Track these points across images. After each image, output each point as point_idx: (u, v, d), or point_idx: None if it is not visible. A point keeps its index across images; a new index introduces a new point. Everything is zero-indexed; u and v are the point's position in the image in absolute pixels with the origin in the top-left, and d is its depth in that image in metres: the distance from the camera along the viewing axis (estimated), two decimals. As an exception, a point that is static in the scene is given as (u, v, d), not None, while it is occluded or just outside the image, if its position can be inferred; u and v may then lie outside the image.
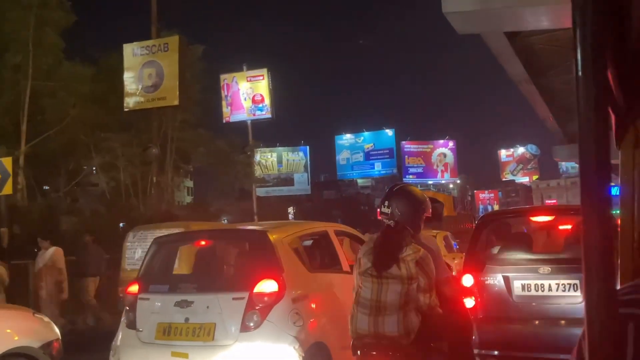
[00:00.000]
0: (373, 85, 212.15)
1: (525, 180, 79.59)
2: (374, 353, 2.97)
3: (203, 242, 5.53)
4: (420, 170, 63.09)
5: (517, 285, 5.12)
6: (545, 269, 5.04)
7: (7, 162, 12.06)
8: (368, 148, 60.63)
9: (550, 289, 5.01)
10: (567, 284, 4.95)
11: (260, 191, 52.92)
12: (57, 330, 5.57)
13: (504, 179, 78.34)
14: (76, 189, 22.21)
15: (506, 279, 5.16)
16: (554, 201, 75.37)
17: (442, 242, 13.21)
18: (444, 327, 3.09)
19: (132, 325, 4.71)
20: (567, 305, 4.95)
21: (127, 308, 4.84)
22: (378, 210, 3.22)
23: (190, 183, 43.25)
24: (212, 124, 25.84)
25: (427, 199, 3.27)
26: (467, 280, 5.29)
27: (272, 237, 4.66)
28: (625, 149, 1.24)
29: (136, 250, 8.27)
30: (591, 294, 0.62)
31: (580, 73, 0.66)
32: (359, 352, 3.03)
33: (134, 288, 4.87)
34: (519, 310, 5.13)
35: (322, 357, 4.52)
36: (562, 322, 4.97)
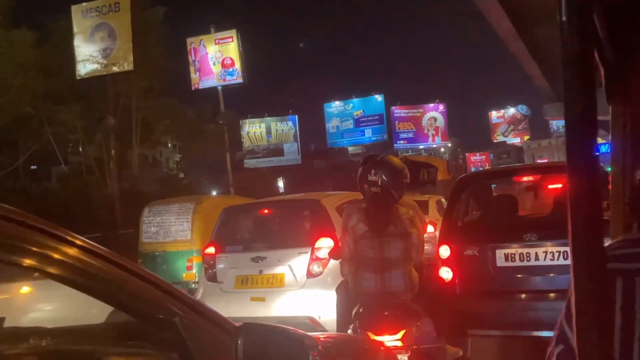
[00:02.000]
0: (360, 50, 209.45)
1: (516, 141, 79.25)
2: (387, 313, 3.18)
3: (266, 211, 6.65)
4: (411, 135, 62.52)
5: (499, 255, 4.53)
6: (532, 235, 4.43)
7: None
8: (357, 115, 59.80)
9: (537, 258, 4.42)
10: (556, 251, 4.36)
11: (250, 162, 52.49)
12: None
13: (495, 141, 77.96)
14: (34, 168, 20.86)
15: (487, 249, 4.57)
16: (546, 160, 75.25)
17: (435, 206, 13.07)
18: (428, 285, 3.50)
19: (213, 278, 5.80)
20: (557, 276, 4.38)
21: (207, 266, 5.88)
22: (359, 177, 3.49)
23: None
24: (182, 92, 23.96)
25: (406, 168, 3.57)
26: (444, 251, 4.70)
27: (325, 203, 5.76)
28: (616, 104, 1.20)
29: (152, 223, 8.88)
30: (577, 250, 0.61)
31: (564, 18, 0.62)
32: (367, 312, 3.24)
33: (211, 250, 5.92)
34: (502, 283, 4.55)
35: None
36: (552, 295, 4.40)
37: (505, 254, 4.50)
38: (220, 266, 5.82)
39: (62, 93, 18.10)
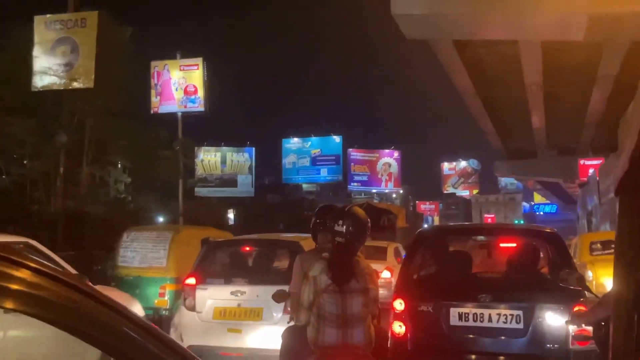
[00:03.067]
0: (322, 89, 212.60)
1: (465, 193, 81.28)
2: None
3: (248, 248, 6.93)
4: (365, 178, 63.25)
5: (453, 313, 4.49)
6: (486, 296, 4.42)
7: None
8: (315, 153, 60.22)
9: (490, 320, 4.40)
10: (509, 314, 4.35)
11: (202, 191, 51.65)
12: None
13: (445, 191, 79.72)
14: None
15: (441, 306, 4.52)
16: (492, 215, 77.42)
17: (393, 253, 13.32)
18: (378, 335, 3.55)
19: (192, 308, 6.00)
20: (509, 340, 4.36)
21: (186, 295, 6.09)
22: (318, 223, 3.97)
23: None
24: (140, 115, 23.29)
25: (369, 221, 3.60)
26: (398, 305, 4.62)
27: (303, 245, 5.71)
28: (624, 196, 1.23)
29: (129, 248, 9.12)
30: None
31: None
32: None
33: (192, 280, 6.12)
34: (454, 341, 4.50)
35: None
36: (501, 357, 4.37)
37: (459, 312, 4.47)
38: (200, 297, 6.04)
39: (14, 104, 17.25)
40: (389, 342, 4.26)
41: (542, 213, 67.07)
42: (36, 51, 14.91)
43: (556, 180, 35.76)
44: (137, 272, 8.77)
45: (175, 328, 6.10)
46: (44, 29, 14.95)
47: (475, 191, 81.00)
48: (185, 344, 5.63)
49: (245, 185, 56.01)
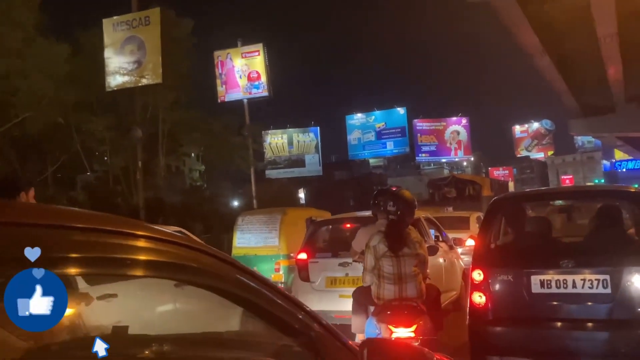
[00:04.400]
0: (383, 63, 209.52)
1: (540, 156, 78.27)
2: (405, 312, 3.95)
3: (348, 225, 7.62)
4: (433, 148, 62.20)
5: (534, 281, 4.40)
6: (568, 262, 4.30)
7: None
8: (379, 127, 59.76)
9: (574, 286, 4.28)
10: (595, 279, 4.21)
11: (272, 173, 52.60)
12: None
13: (518, 155, 77.14)
14: (59, 176, 20.89)
15: (522, 274, 4.44)
16: (570, 177, 74.06)
17: (476, 222, 13.15)
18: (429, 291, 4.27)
19: (305, 279, 7.00)
20: (595, 305, 4.23)
21: (299, 268, 7.10)
22: (376, 204, 4.47)
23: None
24: (207, 104, 24.17)
25: (415, 200, 4.47)
26: (477, 275, 4.59)
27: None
28: None
29: (244, 231, 10.10)
30: None
31: None
32: (388, 312, 3.96)
33: (303, 255, 7.11)
34: (537, 309, 4.41)
35: None
36: (589, 324, 4.25)
37: (541, 280, 4.37)
38: (312, 269, 6.99)
39: (92, 104, 18.23)
40: (440, 298, 4.75)
41: (624, 170, 63.46)
42: (107, 52, 15.56)
43: (638, 135, 33.65)
44: (254, 251, 9.75)
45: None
46: (112, 30, 15.53)
47: (550, 153, 77.84)
48: None
49: (313, 164, 56.55)
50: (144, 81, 14.82)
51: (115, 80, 15.42)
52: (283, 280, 9.24)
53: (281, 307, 1.40)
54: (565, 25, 17.85)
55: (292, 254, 8.66)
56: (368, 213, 6.98)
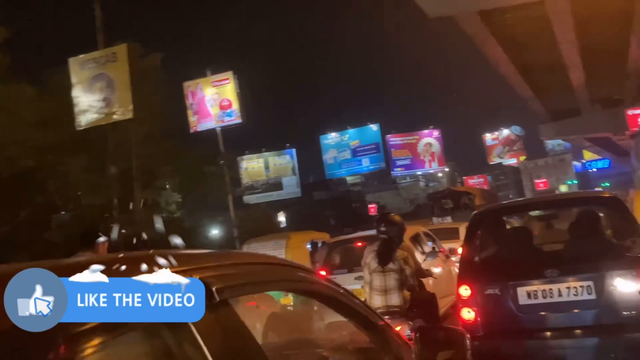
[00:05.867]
0: (354, 81, 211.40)
1: (513, 162, 79.36)
2: (388, 317, 4.37)
3: (359, 243, 8.13)
4: (407, 162, 62.65)
5: (521, 292, 4.45)
6: (552, 271, 4.37)
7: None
8: (354, 145, 60.07)
9: (560, 294, 4.34)
10: (579, 286, 4.28)
11: (250, 198, 52.36)
12: None
13: (491, 163, 78.05)
14: (32, 218, 20.30)
15: (508, 287, 4.49)
16: (544, 180, 75.30)
17: (465, 231, 13.31)
18: (420, 299, 5.03)
19: None
20: (581, 312, 4.29)
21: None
22: (375, 227, 5.28)
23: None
24: (181, 135, 24.04)
25: (404, 222, 5.30)
26: (464, 291, 4.62)
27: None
28: None
29: None
30: None
31: None
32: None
33: (323, 273, 7.44)
34: (526, 321, 4.46)
35: None
36: (577, 331, 4.31)
37: (527, 291, 4.43)
38: None
39: (63, 145, 17.91)
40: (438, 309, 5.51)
41: (595, 170, 64.75)
42: (75, 91, 15.37)
43: (605, 135, 34.50)
44: None
45: None
46: (79, 69, 15.43)
47: (522, 158, 79.00)
48: None
49: (290, 186, 56.42)
50: (115, 117, 14.67)
51: (85, 119, 15.23)
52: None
53: (359, 305, 1.86)
54: (526, 35, 18.32)
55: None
56: (374, 232, 7.26)
